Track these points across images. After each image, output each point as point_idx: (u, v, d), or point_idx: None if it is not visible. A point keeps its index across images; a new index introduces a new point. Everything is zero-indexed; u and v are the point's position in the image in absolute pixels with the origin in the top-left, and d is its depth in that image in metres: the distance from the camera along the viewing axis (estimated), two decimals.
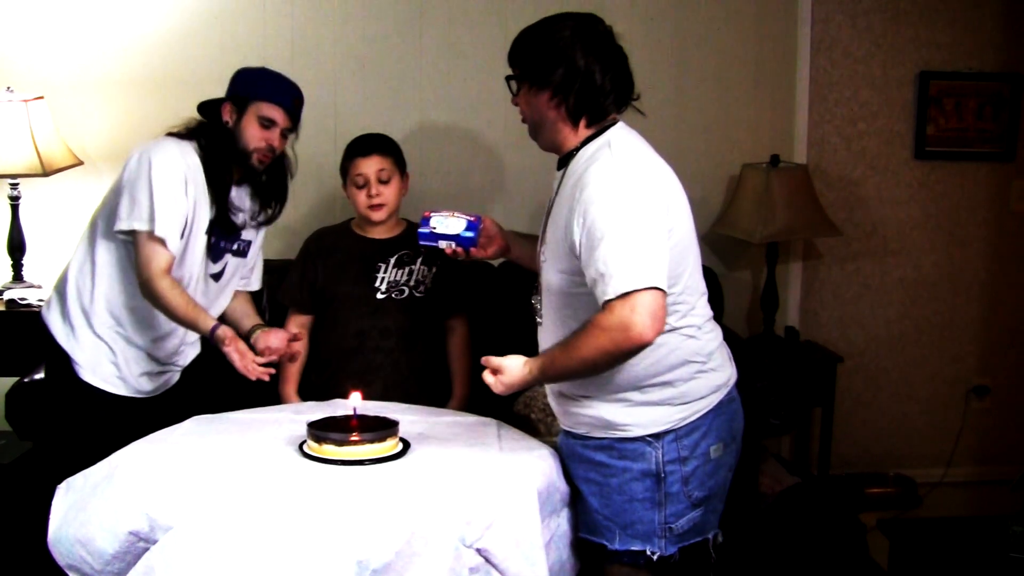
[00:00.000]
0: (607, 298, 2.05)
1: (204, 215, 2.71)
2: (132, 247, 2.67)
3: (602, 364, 2.12)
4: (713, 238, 3.78)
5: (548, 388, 2.40)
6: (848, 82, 3.88)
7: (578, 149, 2.24)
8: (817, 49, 3.83)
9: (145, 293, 2.65)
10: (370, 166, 3.03)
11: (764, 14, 3.79)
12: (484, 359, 2.27)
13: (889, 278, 4.01)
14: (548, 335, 2.31)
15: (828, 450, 3.82)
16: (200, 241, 2.73)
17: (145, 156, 2.64)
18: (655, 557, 2.24)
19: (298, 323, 3.14)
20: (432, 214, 2.50)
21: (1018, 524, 3.14)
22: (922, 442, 4.10)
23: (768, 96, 3.84)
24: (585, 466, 2.30)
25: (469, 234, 2.47)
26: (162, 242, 2.61)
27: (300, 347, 2.98)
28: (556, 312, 2.27)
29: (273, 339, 2.82)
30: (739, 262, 3.92)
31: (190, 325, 2.68)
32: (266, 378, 2.68)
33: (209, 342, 2.91)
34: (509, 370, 2.23)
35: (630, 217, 2.09)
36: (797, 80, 3.83)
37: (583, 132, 2.25)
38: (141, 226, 2.60)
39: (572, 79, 2.20)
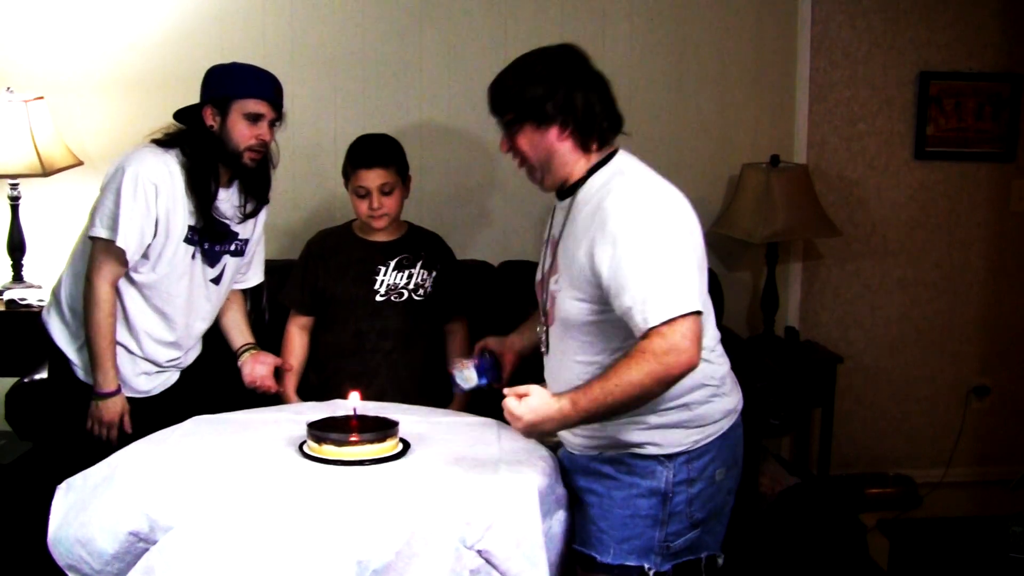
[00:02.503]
0: (651, 325, 2.02)
1: (180, 223, 2.70)
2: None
3: (654, 391, 2.06)
4: (713, 238, 3.77)
5: None
6: (848, 82, 3.88)
7: (585, 179, 2.22)
8: (817, 49, 3.83)
9: (84, 291, 2.68)
10: (372, 179, 3.01)
11: (764, 14, 3.79)
12: (506, 390, 2.12)
13: (889, 278, 4.01)
14: (558, 365, 2.28)
15: (828, 450, 3.82)
16: (177, 249, 2.72)
17: (120, 165, 2.65)
18: (651, 573, 2.24)
19: (299, 324, 3.14)
20: (454, 372, 2.49)
21: (1018, 524, 3.15)
22: (922, 442, 4.10)
23: (768, 96, 3.84)
24: (589, 477, 2.28)
25: (483, 381, 2.47)
26: (120, 253, 2.62)
27: (292, 376, 3.07)
28: (569, 341, 2.24)
29: (259, 368, 2.94)
30: (739, 262, 3.92)
31: (94, 356, 2.68)
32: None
33: (202, 344, 2.95)
34: (536, 395, 2.09)
35: (663, 243, 2.08)
36: (797, 80, 3.83)
37: (593, 158, 2.23)
38: (105, 234, 2.62)
39: (575, 105, 2.18)
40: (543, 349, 2.34)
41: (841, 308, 4.01)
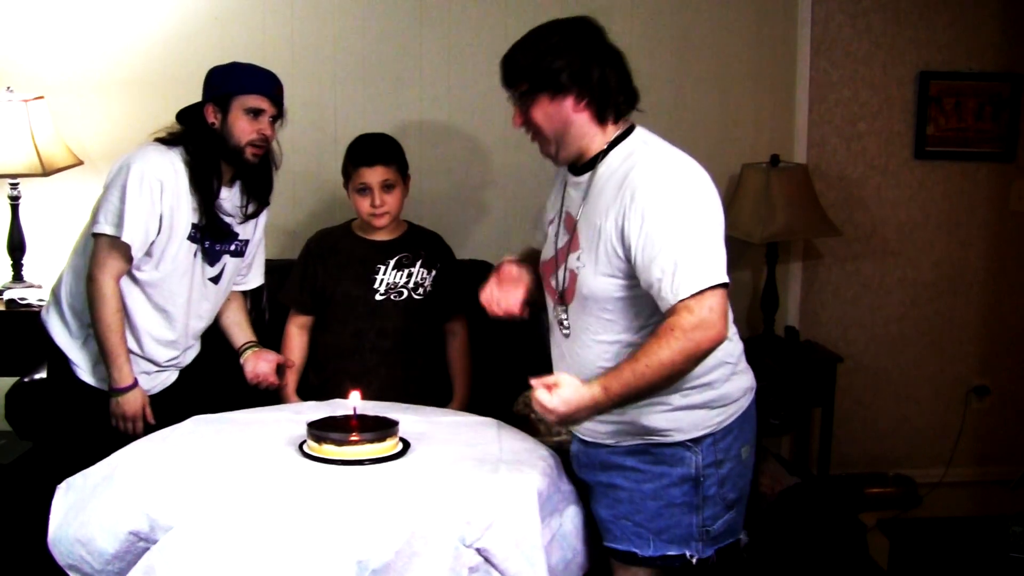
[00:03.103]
0: (681, 296, 2.01)
1: (184, 221, 2.71)
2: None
3: (684, 369, 2.04)
4: None
5: None
6: (848, 82, 3.88)
7: (605, 153, 2.20)
8: (817, 49, 3.83)
9: (88, 288, 2.68)
10: (374, 176, 3.02)
11: (764, 14, 3.79)
12: (532, 380, 2.05)
13: (889, 278, 4.01)
14: (578, 346, 2.24)
15: (828, 450, 3.82)
16: (181, 247, 2.73)
17: (125, 163, 2.66)
18: (694, 560, 2.22)
19: (298, 323, 3.14)
20: None
21: (1018, 524, 3.15)
22: (922, 442, 4.10)
23: (768, 96, 3.84)
24: (611, 472, 2.26)
25: None
26: (125, 250, 2.62)
27: (292, 375, 3.08)
28: (589, 320, 2.20)
29: (262, 365, 2.96)
30: (739, 262, 3.92)
31: (106, 352, 2.68)
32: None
33: (201, 344, 2.95)
34: (567, 384, 2.03)
35: (692, 214, 2.08)
36: (797, 80, 3.83)
37: (610, 132, 2.21)
38: (110, 230, 2.63)
39: (592, 76, 2.16)
40: (564, 331, 2.27)
41: (841, 308, 4.01)
